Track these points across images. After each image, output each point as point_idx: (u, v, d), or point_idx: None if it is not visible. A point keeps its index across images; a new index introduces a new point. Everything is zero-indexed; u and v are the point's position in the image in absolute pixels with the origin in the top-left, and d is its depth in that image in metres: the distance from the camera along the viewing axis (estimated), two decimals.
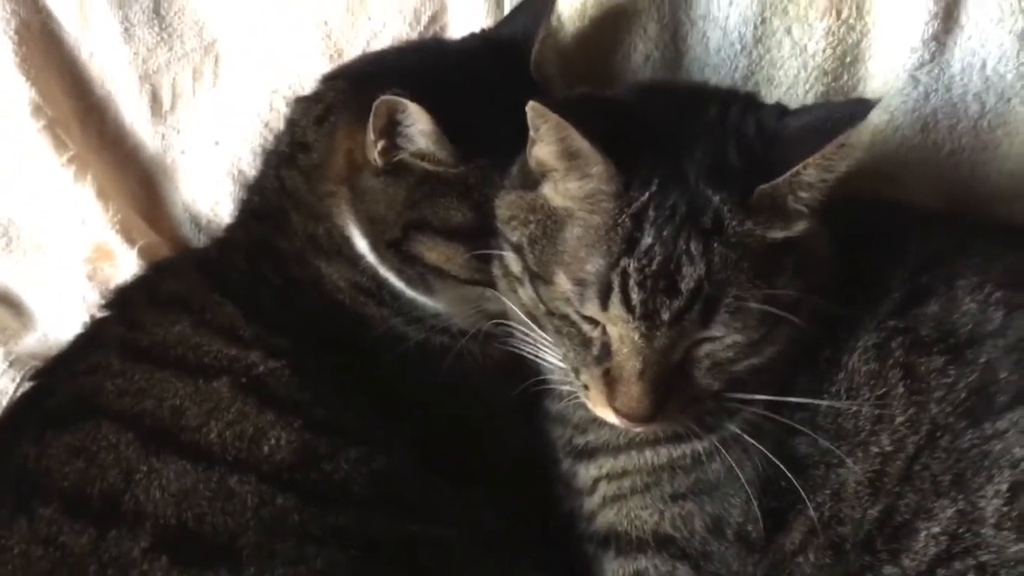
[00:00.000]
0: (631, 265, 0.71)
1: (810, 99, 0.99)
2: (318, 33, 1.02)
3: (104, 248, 1.05)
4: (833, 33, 0.97)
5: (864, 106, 0.70)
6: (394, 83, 0.81)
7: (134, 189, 1.08)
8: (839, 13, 0.97)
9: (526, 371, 0.85)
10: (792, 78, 0.99)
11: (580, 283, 0.73)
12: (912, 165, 1.00)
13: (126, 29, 1.04)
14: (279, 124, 1.03)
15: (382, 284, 0.88)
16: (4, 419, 0.87)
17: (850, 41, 0.98)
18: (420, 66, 0.89)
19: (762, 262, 0.71)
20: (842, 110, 0.72)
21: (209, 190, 1.07)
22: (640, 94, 0.83)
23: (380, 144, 0.82)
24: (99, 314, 0.93)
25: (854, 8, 0.97)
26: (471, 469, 0.85)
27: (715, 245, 0.70)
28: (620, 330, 0.73)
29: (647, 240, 0.71)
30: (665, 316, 0.71)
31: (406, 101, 0.78)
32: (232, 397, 0.80)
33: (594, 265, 0.72)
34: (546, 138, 0.74)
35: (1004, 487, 0.73)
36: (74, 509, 0.75)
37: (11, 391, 0.96)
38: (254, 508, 0.75)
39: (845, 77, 0.99)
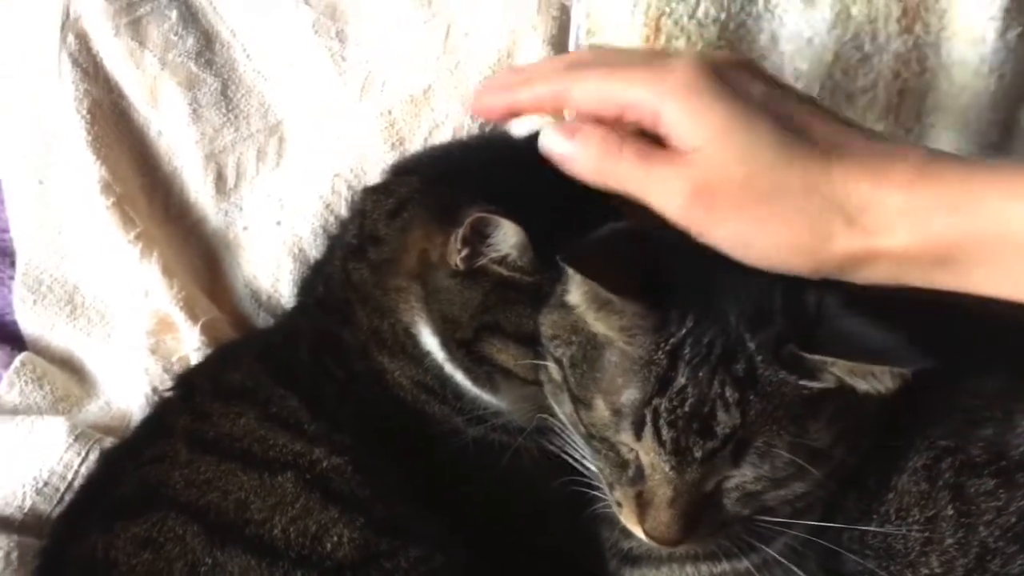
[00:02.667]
0: (663, 405, 0.72)
1: None
2: (381, 121, 1.04)
3: (167, 321, 1.07)
4: (890, 135, 0.99)
5: (914, 361, 0.69)
6: (469, 185, 0.83)
7: (196, 264, 1.11)
8: (897, 116, 0.99)
9: (574, 468, 0.86)
10: None
11: (617, 412, 0.74)
12: None
13: (194, 110, 1.07)
14: (340, 207, 1.06)
15: (445, 383, 0.89)
16: (74, 504, 0.90)
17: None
18: (492, 168, 0.90)
19: (795, 409, 0.72)
20: (898, 347, 0.70)
21: (270, 268, 1.09)
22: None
23: (464, 251, 0.82)
24: (164, 396, 0.96)
25: (912, 113, 0.98)
26: (522, 566, 0.87)
27: (750, 395, 0.71)
28: (652, 461, 0.74)
29: (680, 380, 0.72)
30: (697, 455, 0.72)
31: (501, 219, 0.79)
32: (296, 493, 0.81)
33: (629, 396, 0.73)
34: (576, 289, 0.75)
35: None
36: None
37: (76, 465, 0.98)
38: None
39: None
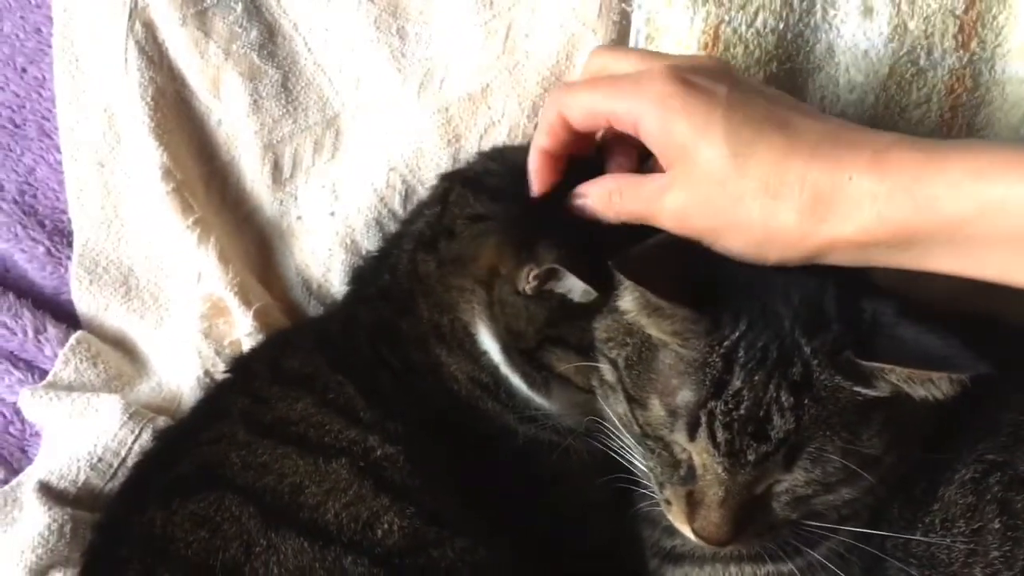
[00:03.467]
0: (718, 408, 0.73)
1: None
2: (438, 118, 1.06)
3: (220, 305, 1.09)
4: None
5: (973, 366, 0.70)
6: (551, 216, 0.84)
7: (250, 251, 1.13)
8: (950, 131, 0.99)
9: (619, 467, 0.87)
10: None
11: (672, 413, 0.76)
12: None
13: (255, 101, 1.09)
14: (394, 200, 1.08)
15: (500, 382, 0.90)
16: (131, 480, 0.92)
17: None
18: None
19: (848, 415, 0.73)
20: (955, 353, 0.71)
21: (322, 257, 1.11)
22: None
23: (533, 284, 0.84)
24: (221, 379, 0.99)
25: (964, 128, 0.99)
26: (564, 562, 0.88)
27: (805, 400, 0.72)
28: (705, 461, 0.76)
29: (736, 383, 0.73)
30: (751, 457, 0.73)
31: (569, 274, 0.82)
32: (350, 479, 0.83)
33: (684, 398, 0.75)
34: (627, 295, 0.77)
35: None
36: None
37: (129, 442, 1.01)
38: None
39: None
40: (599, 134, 0.88)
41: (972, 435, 0.81)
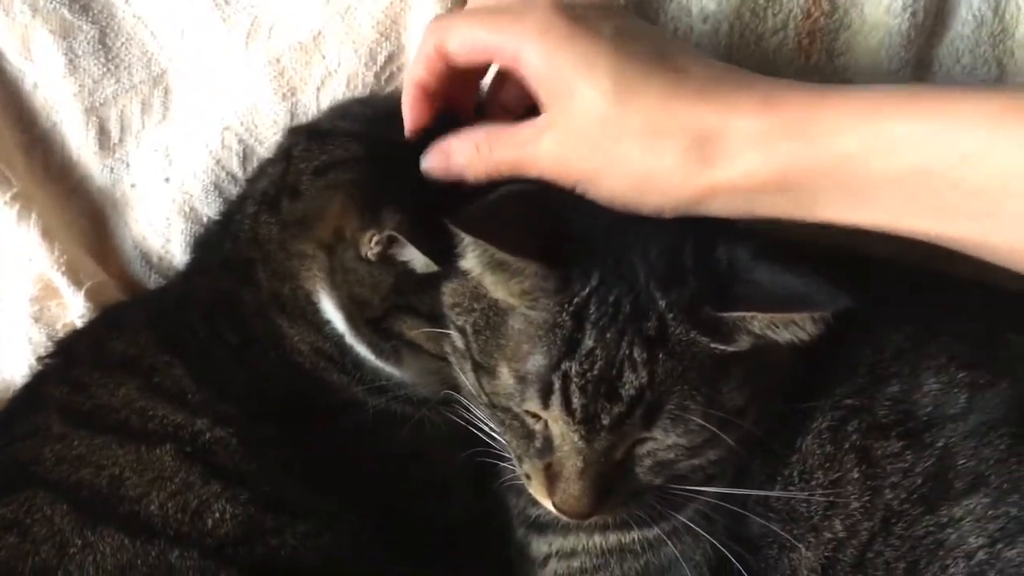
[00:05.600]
0: (572, 368, 0.69)
1: None
2: (270, 70, 0.98)
3: (51, 286, 1.01)
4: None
5: (833, 301, 0.67)
6: (401, 179, 0.79)
7: (82, 225, 1.04)
8: (808, 57, 0.94)
9: (481, 438, 0.83)
10: None
11: (522, 380, 0.71)
12: None
13: (70, 60, 0.99)
14: (231, 162, 1.00)
15: (345, 352, 0.85)
16: None
17: None
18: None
19: (707, 371, 0.69)
20: (814, 290, 0.68)
21: (160, 228, 1.02)
22: None
23: (376, 250, 0.79)
24: (41, 366, 0.91)
25: (824, 54, 0.94)
26: (424, 536, 0.83)
27: (659, 355, 0.68)
28: (561, 430, 0.71)
29: (588, 342, 0.69)
30: (605, 421, 0.69)
31: (409, 244, 0.77)
32: (176, 466, 0.78)
33: (535, 363, 0.70)
34: (469, 253, 0.72)
35: None
36: None
37: None
38: None
39: None
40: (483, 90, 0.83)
41: (830, 378, 0.78)
